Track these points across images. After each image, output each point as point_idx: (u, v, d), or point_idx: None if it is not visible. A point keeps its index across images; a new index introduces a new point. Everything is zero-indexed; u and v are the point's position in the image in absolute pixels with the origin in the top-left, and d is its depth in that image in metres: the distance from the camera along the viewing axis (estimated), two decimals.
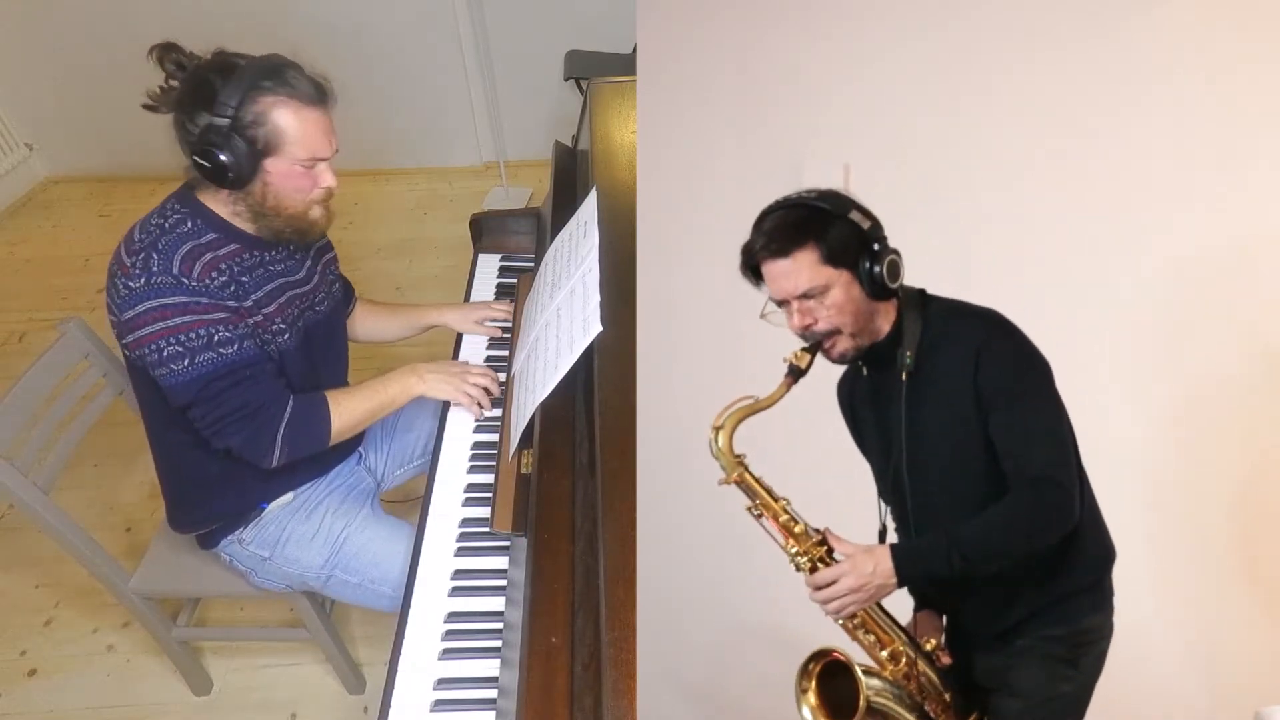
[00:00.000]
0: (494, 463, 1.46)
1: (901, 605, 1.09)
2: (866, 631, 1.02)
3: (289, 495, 1.55)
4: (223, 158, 1.24)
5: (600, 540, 0.97)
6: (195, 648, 1.97)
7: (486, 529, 1.34)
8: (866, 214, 0.99)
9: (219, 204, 1.34)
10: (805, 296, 0.98)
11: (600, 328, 1.20)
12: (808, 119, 1.62)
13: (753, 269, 1.01)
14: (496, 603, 1.28)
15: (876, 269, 0.97)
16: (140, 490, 2.40)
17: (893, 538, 1.08)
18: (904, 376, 0.98)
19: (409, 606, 1.28)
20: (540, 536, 1.09)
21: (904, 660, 1.01)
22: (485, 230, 2.07)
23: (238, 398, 1.32)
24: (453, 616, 1.27)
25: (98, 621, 2.11)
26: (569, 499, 1.13)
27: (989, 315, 0.99)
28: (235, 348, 1.30)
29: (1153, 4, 1.46)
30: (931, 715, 1.03)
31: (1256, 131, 1.45)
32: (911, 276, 1.02)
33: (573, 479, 1.16)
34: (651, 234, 1.45)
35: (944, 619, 1.11)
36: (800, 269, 0.97)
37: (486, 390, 1.58)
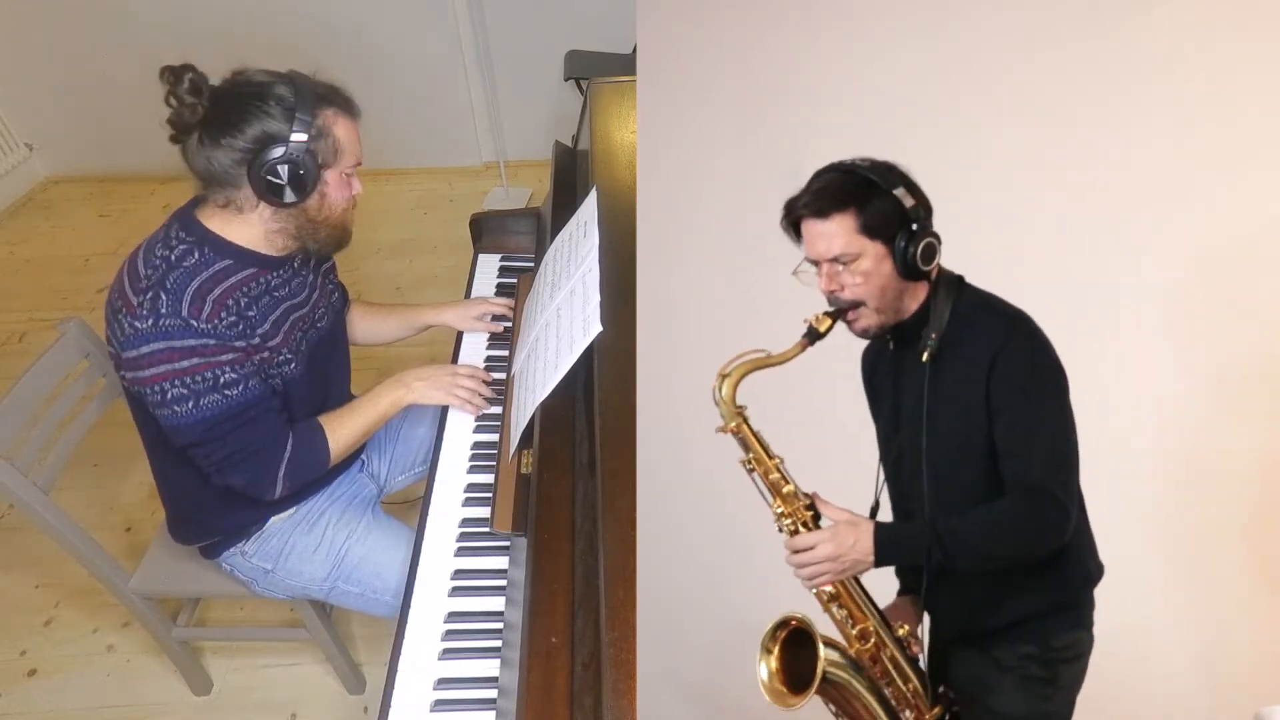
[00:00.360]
0: (494, 463, 1.46)
1: (883, 589, 1.09)
2: (840, 606, 1.01)
3: (291, 508, 1.55)
4: (293, 171, 1.25)
5: (600, 540, 0.97)
6: (195, 648, 1.97)
7: (486, 529, 1.34)
8: (915, 194, 0.98)
9: (236, 226, 1.31)
10: (836, 261, 0.98)
11: (600, 328, 1.20)
12: (808, 119, 1.62)
13: (794, 224, 1.01)
14: (496, 603, 1.28)
15: (910, 248, 0.96)
16: (140, 490, 2.40)
17: (886, 515, 1.08)
18: (924, 358, 0.98)
19: (409, 606, 1.28)
20: (540, 536, 1.09)
21: (873, 640, 1.01)
22: (485, 230, 2.07)
23: (241, 439, 1.31)
24: (453, 616, 1.27)
25: (98, 621, 2.11)
26: (569, 499, 1.13)
27: (1015, 316, 0.98)
28: (240, 389, 1.29)
29: (1153, 4, 1.46)
30: (892, 701, 1.01)
31: (1257, 131, 1.45)
32: None
33: (573, 479, 1.16)
34: (651, 234, 1.45)
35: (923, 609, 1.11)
36: (836, 233, 0.97)
37: (476, 390, 1.58)
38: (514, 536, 1.26)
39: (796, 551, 0.97)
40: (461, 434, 1.56)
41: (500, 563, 1.34)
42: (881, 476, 1.09)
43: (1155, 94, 1.48)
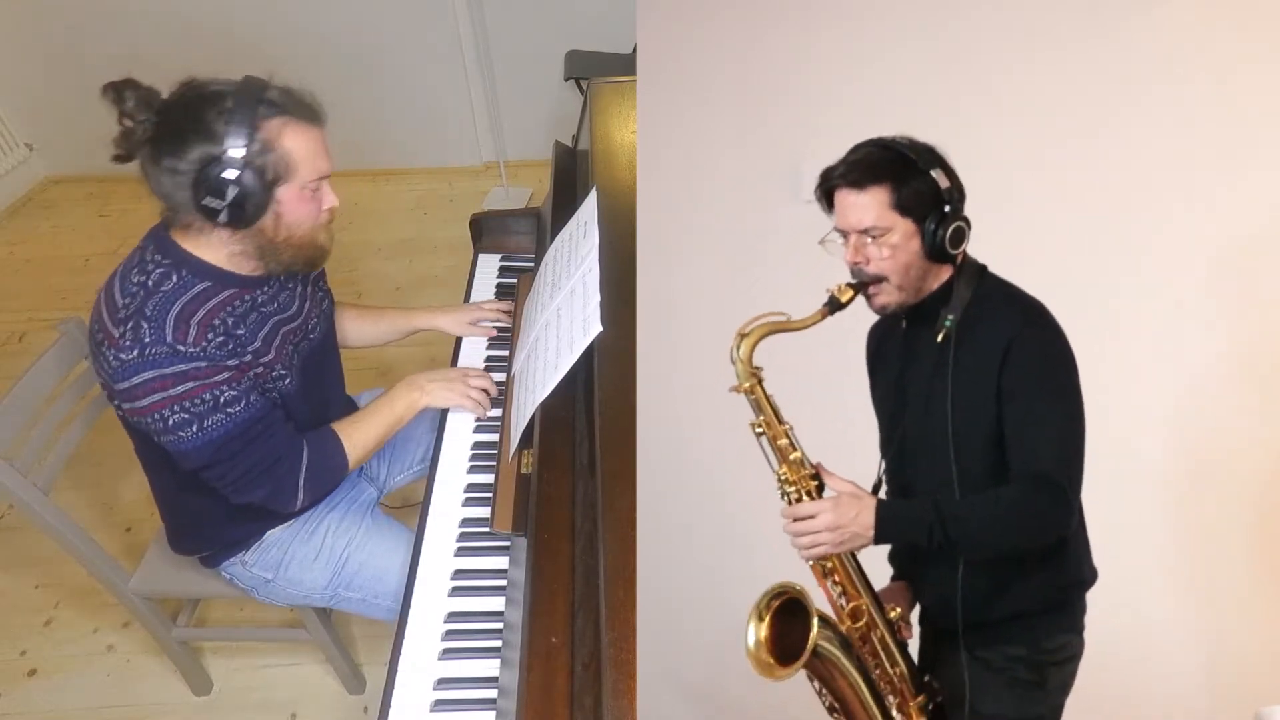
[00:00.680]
0: (494, 463, 1.46)
1: (876, 575, 1.09)
2: (835, 581, 1.02)
3: (289, 518, 1.54)
4: (235, 193, 1.16)
5: (600, 540, 0.96)
6: (195, 648, 1.97)
7: (486, 529, 1.34)
8: (951, 177, 0.99)
9: (206, 247, 1.25)
10: (865, 233, 0.99)
11: (600, 328, 1.20)
12: (808, 119, 1.62)
13: (827, 195, 1.02)
14: (496, 603, 1.28)
15: (940, 230, 0.97)
16: (140, 490, 2.39)
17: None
18: (939, 339, 0.98)
19: (409, 607, 1.28)
20: (540, 536, 1.09)
21: (865, 619, 1.01)
22: (485, 230, 2.07)
23: (254, 455, 1.28)
24: (453, 616, 1.27)
25: (98, 621, 2.11)
26: (569, 499, 1.13)
27: (1033, 306, 0.98)
28: (243, 404, 1.25)
29: (1153, 4, 1.46)
30: (877, 683, 1.01)
31: (1257, 131, 1.45)
32: None
33: (573, 479, 1.16)
34: (651, 234, 1.45)
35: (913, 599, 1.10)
36: (868, 205, 0.98)
37: (486, 391, 1.58)
38: (514, 536, 1.26)
39: (797, 519, 0.97)
40: (461, 434, 1.56)
41: (500, 563, 1.34)
42: (883, 464, 1.09)
43: (1155, 94, 1.48)
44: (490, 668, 1.19)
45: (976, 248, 1.03)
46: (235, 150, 1.15)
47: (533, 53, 3.79)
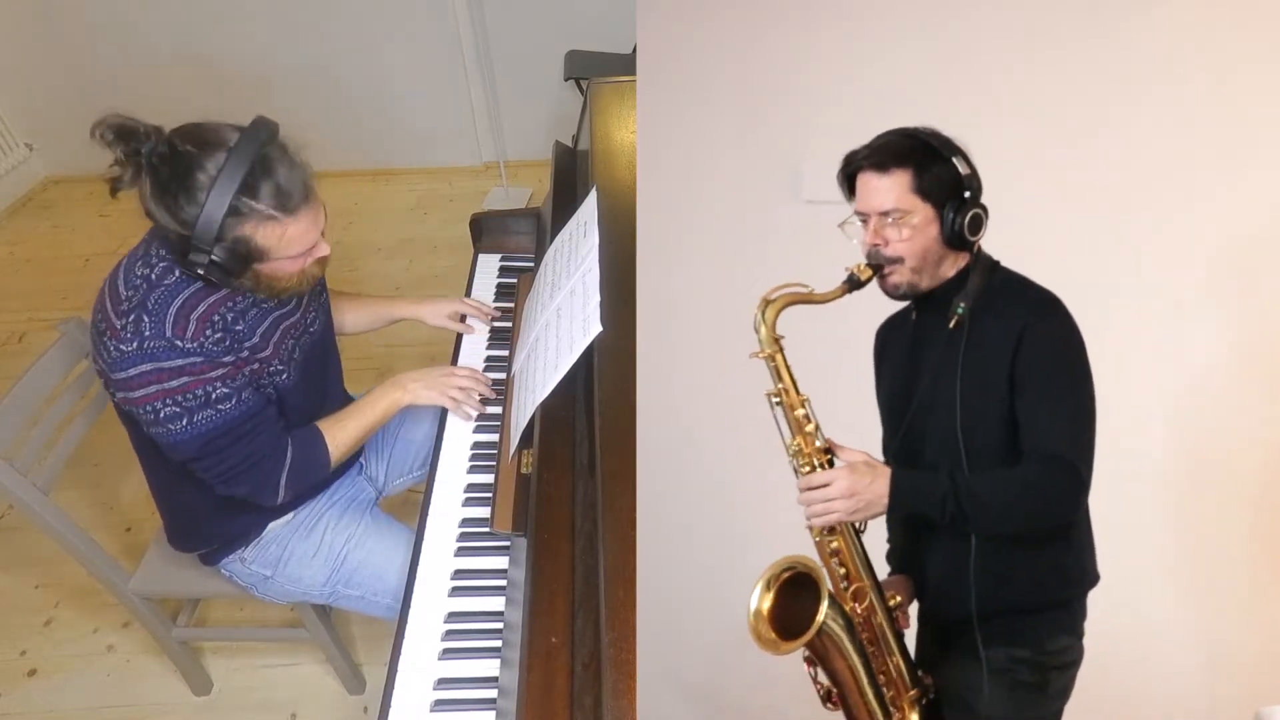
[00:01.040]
0: (494, 463, 1.46)
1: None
2: (840, 562, 1.02)
3: (289, 514, 1.54)
4: (203, 271, 1.17)
5: (600, 540, 0.97)
6: (195, 648, 1.97)
7: (486, 529, 1.34)
8: (971, 167, 1.01)
9: None
10: (886, 215, 1.00)
11: (600, 328, 1.20)
12: (808, 119, 1.62)
13: (849, 179, 1.04)
14: (496, 603, 1.28)
15: (959, 217, 0.99)
16: (140, 490, 2.38)
17: None
18: (950, 325, 0.99)
19: (409, 607, 1.28)
20: (540, 536, 1.09)
21: (866, 603, 1.01)
22: (485, 230, 2.07)
23: (239, 452, 1.30)
24: (453, 616, 1.27)
25: (98, 621, 2.11)
26: (569, 499, 1.13)
27: (1046, 296, 1.00)
28: (234, 402, 1.27)
29: (1152, 4, 1.46)
30: (875, 670, 1.01)
31: (1257, 131, 1.45)
32: None
33: (573, 479, 1.16)
34: (651, 234, 1.45)
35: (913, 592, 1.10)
36: (891, 188, 1.00)
37: (474, 391, 1.57)
38: (514, 536, 1.26)
39: (811, 489, 0.98)
40: (461, 434, 1.56)
41: (500, 563, 1.34)
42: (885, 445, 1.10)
43: (1155, 94, 1.48)
44: (490, 668, 1.19)
45: None
46: (206, 240, 1.14)
47: (533, 53, 3.79)
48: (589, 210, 1.47)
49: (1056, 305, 0.99)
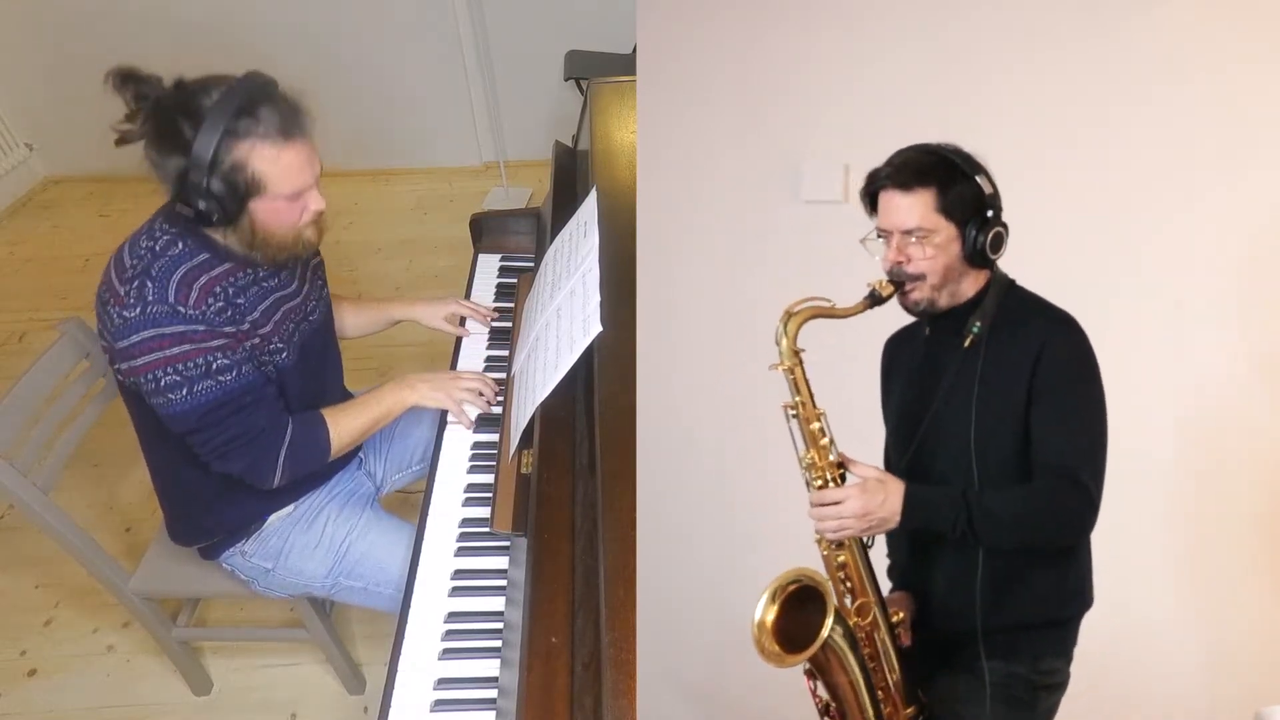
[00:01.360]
0: (494, 463, 1.46)
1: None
2: (845, 577, 1.02)
3: (290, 506, 1.55)
4: (203, 205, 1.20)
5: (600, 540, 0.97)
6: (195, 648, 1.97)
7: (486, 529, 1.34)
8: (993, 185, 1.02)
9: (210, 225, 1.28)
10: (909, 234, 1.00)
11: (600, 328, 1.20)
12: (808, 119, 1.62)
13: (871, 196, 1.04)
14: (496, 603, 1.28)
15: (981, 236, 0.99)
16: (140, 490, 2.40)
17: None
18: (966, 344, 1.00)
19: (409, 606, 1.28)
20: (540, 537, 1.09)
21: (870, 618, 1.01)
22: (485, 230, 2.07)
23: (238, 425, 1.31)
24: (453, 616, 1.27)
25: (98, 621, 2.11)
26: (569, 499, 1.13)
27: (1064, 316, 1.01)
28: (234, 374, 1.28)
29: (1152, 4, 1.46)
30: (874, 686, 1.01)
31: (1257, 131, 1.45)
32: None
33: (573, 479, 1.16)
34: (651, 234, 1.45)
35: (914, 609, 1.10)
36: (914, 207, 1.00)
37: (481, 394, 1.58)
38: (514, 536, 1.26)
39: (824, 504, 0.98)
40: (461, 434, 1.56)
41: (500, 563, 1.34)
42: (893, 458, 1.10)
43: (1155, 94, 1.48)
44: (490, 668, 1.19)
45: None
46: (203, 164, 1.17)
47: (533, 53, 3.79)
48: (589, 210, 1.47)
49: (1074, 324, 1.00)
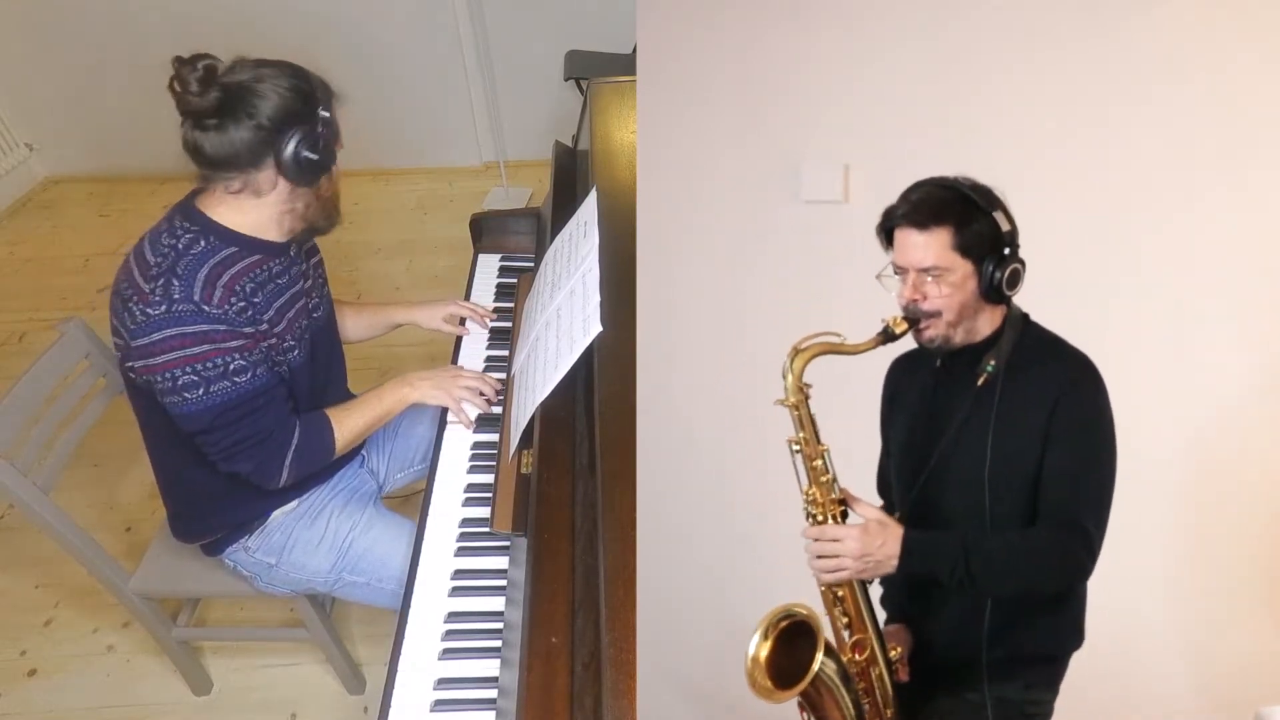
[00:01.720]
0: (494, 463, 1.46)
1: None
2: (843, 612, 1.02)
3: (293, 502, 1.55)
4: (322, 149, 1.29)
5: (600, 540, 0.97)
6: (195, 648, 1.97)
7: (486, 529, 1.34)
8: (1010, 220, 1.00)
9: (233, 213, 1.31)
10: (925, 272, 1.00)
11: (600, 328, 1.20)
12: (808, 119, 1.62)
13: (887, 232, 1.03)
14: (496, 603, 1.28)
15: (998, 273, 0.98)
16: (140, 490, 2.40)
17: None
18: (979, 383, 0.99)
19: (409, 606, 1.28)
20: (540, 537, 1.09)
21: (867, 654, 1.01)
22: (485, 230, 2.07)
23: (248, 427, 1.32)
24: (453, 616, 1.27)
25: (98, 621, 2.11)
26: (569, 499, 1.13)
27: (1081, 358, 1.00)
28: (249, 375, 1.30)
29: (1153, 4, 1.46)
30: (866, 717, 1.01)
31: (1257, 131, 1.45)
32: None
33: (573, 479, 1.16)
34: (651, 234, 1.45)
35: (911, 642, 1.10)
36: (930, 245, 0.99)
37: (481, 392, 1.58)
38: (514, 536, 1.26)
39: (823, 541, 0.98)
40: (461, 434, 1.57)
41: (500, 563, 1.34)
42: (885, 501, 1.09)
43: (1155, 94, 1.48)
44: (490, 668, 1.19)
45: None
46: (324, 112, 1.29)
47: (533, 53, 3.79)
48: (589, 210, 1.47)
49: (1090, 368, 0.99)
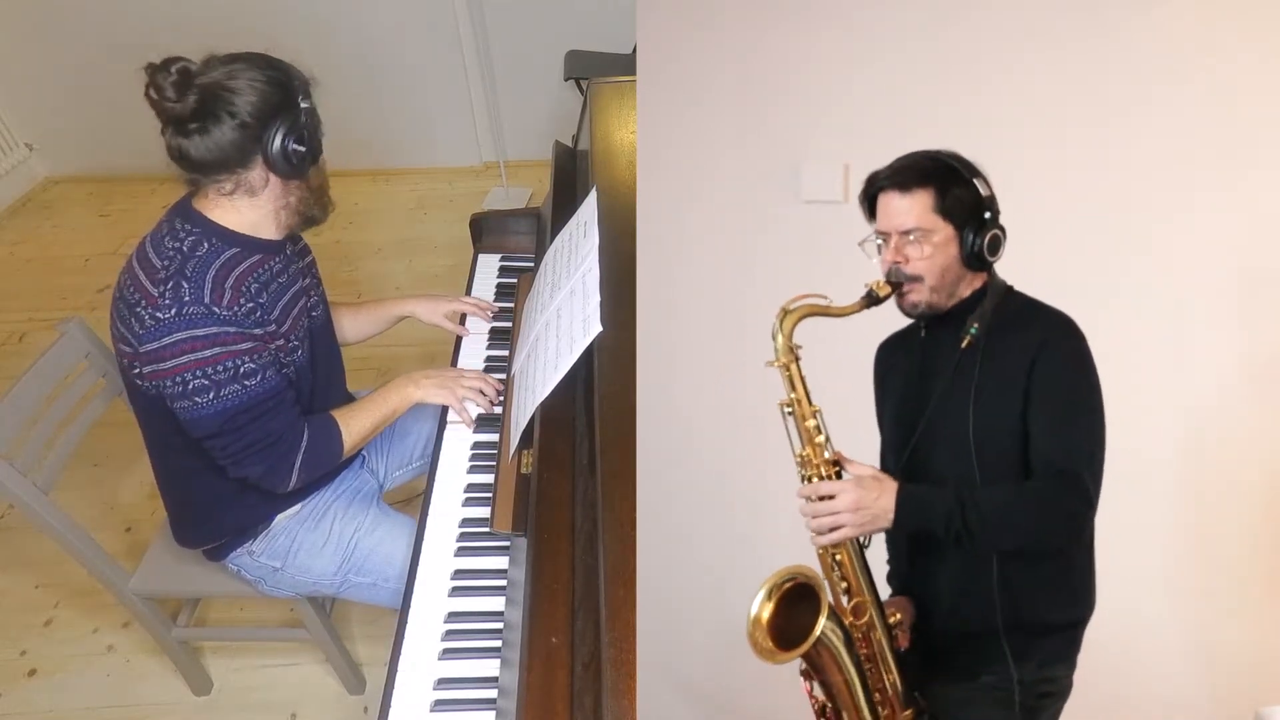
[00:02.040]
0: (494, 463, 1.46)
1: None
2: (841, 575, 1.02)
3: (296, 506, 1.55)
4: (309, 140, 1.29)
5: (600, 540, 0.97)
6: (195, 648, 1.97)
7: (486, 529, 1.34)
8: (990, 190, 1.03)
9: (231, 213, 1.30)
10: (906, 234, 1.01)
11: (600, 328, 1.20)
12: (808, 119, 1.62)
13: (870, 199, 1.05)
14: (496, 603, 1.28)
15: (978, 237, 1.00)
16: (140, 490, 2.40)
17: None
18: (963, 345, 1.00)
19: (409, 606, 1.28)
20: (540, 536, 1.09)
21: (866, 617, 1.01)
22: (485, 230, 2.07)
23: (258, 430, 1.31)
24: (453, 616, 1.27)
25: (98, 621, 2.11)
26: (569, 499, 1.13)
27: (1062, 317, 1.01)
28: (259, 378, 1.29)
29: (1153, 4, 1.46)
30: (870, 686, 1.01)
31: (1257, 131, 1.45)
32: None
33: (573, 479, 1.16)
34: (651, 234, 1.45)
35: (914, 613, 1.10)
36: (912, 207, 1.01)
37: (483, 392, 1.59)
38: (514, 536, 1.26)
39: (818, 498, 0.98)
40: (461, 434, 1.57)
41: (500, 563, 1.34)
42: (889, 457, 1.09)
43: (1155, 94, 1.48)
44: (490, 668, 1.19)
45: None
46: (304, 103, 1.28)
47: (533, 53, 3.79)
48: (589, 210, 1.47)
49: (1071, 325, 1.00)
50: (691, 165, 1.67)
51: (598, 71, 3.00)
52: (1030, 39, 1.51)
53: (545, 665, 0.95)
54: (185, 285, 1.22)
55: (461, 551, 1.37)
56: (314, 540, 1.54)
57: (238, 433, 1.30)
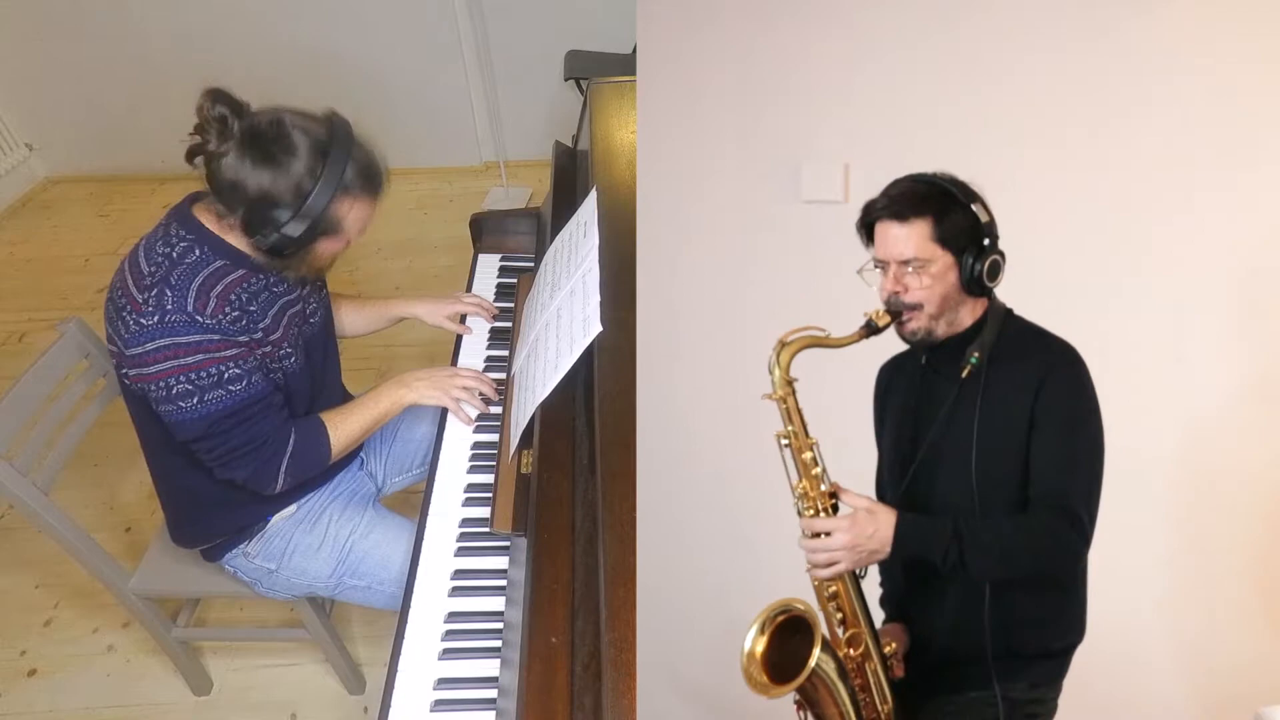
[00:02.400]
0: (494, 463, 1.46)
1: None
2: (837, 607, 1.02)
3: (292, 507, 1.55)
4: (276, 239, 1.26)
5: (600, 540, 0.97)
6: (195, 648, 1.97)
7: (486, 529, 1.34)
8: (989, 213, 1.01)
9: (227, 231, 1.30)
10: (905, 264, 1.00)
11: (600, 328, 1.20)
12: (808, 119, 1.62)
13: (867, 227, 1.04)
14: (496, 603, 1.28)
15: (978, 264, 0.99)
16: (140, 490, 2.40)
17: None
18: (963, 375, 0.99)
19: (409, 606, 1.28)
20: (540, 536, 1.09)
21: (862, 648, 1.01)
22: (485, 230, 2.07)
23: (244, 434, 1.32)
24: (453, 616, 1.27)
25: (98, 621, 2.11)
26: (569, 499, 1.13)
27: (1064, 347, 1.01)
28: (244, 384, 1.29)
29: (1153, 4, 1.46)
30: (863, 716, 1.01)
31: (1257, 132, 1.45)
32: None
33: (573, 479, 1.16)
34: (651, 234, 1.45)
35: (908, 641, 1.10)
36: (910, 237, 1.00)
37: (479, 392, 1.58)
38: (514, 536, 1.26)
39: (814, 535, 0.98)
40: (461, 434, 1.57)
41: (500, 563, 1.34)
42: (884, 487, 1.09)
43: (1155, 94, 1.48)
44: (490, 668, 1.19)
45: None
46: (306, 216, 1.25)
47: (533, 53, 3.79)
48: (589, 210, 1.48)
49: (1074, 355, 1.00)
50: (691, 165, 1.67)
51: (598, 71, 3.00)
52: (1030, 39, 1.51)
53: (545, 665, 0.95)
54: (169, 293, 1.23)
55: (461, 551, 1.37)
56: (309, 543, 1.54)
57: (223, 436, 1.30)
